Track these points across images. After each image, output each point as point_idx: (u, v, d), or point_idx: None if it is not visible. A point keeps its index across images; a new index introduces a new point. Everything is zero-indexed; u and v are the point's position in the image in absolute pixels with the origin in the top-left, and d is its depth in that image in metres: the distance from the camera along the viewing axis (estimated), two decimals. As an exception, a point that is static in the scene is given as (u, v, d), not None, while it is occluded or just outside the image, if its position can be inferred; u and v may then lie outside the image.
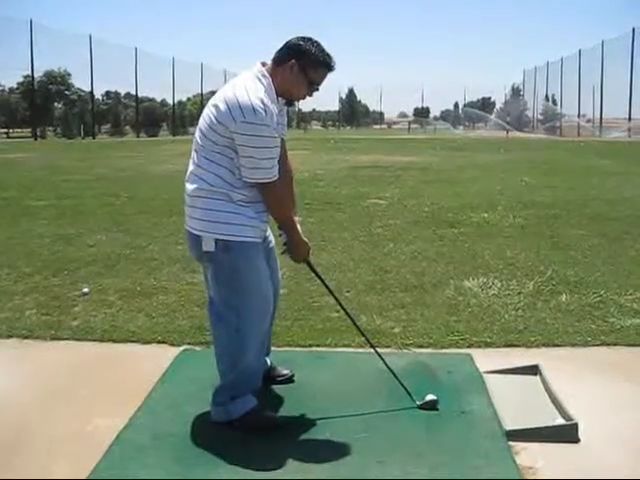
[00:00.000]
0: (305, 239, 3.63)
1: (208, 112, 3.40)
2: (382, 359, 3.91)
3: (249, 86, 3.31)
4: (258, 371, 3.71)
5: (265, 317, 3.59)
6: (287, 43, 3.45)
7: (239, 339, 3.48)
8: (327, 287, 3.95)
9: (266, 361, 3.98)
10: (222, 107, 3.29)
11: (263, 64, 3.47)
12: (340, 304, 4.04)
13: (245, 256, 3.43)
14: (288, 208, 3.56)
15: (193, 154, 3.49)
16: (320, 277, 3.87)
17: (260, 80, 3.37)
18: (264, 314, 3.57)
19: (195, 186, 3.43)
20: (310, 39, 3.45)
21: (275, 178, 3.38)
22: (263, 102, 3.26)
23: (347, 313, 4.06)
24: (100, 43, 57.24)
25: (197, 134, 3.47)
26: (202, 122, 3.43)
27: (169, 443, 3.40)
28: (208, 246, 3.39)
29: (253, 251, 3.47)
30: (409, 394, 3.75)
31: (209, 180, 3.38)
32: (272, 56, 3.47)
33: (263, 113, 3.23)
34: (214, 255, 3.41)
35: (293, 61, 3.38)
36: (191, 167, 3.49)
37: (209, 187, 3.38)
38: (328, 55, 3.44)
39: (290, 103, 3.58)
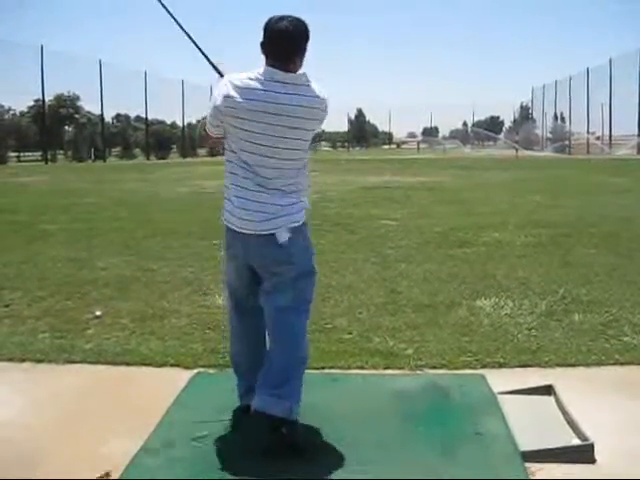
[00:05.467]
0: None
1: None
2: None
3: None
4: None
5: None
6: (306, 33, 3.48)
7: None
8: None
9: None
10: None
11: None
12: None
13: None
14: None
15: None
16: None
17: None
18: None
19: None
20: (298, 18, 3.47)
21: None
22: None
23: None
24: (110, 67, 57.79)
25: None
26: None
27: (183, 466, 3.39)
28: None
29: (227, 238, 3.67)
30: None
31: None
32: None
33: None
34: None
35: (306, 45, 3.51)
36: None
37: None
38: None
39: None
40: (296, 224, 3.50)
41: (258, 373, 3.60)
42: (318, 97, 3.47)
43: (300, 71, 3.46)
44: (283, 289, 3.57)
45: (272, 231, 3.47)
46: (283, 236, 3.45)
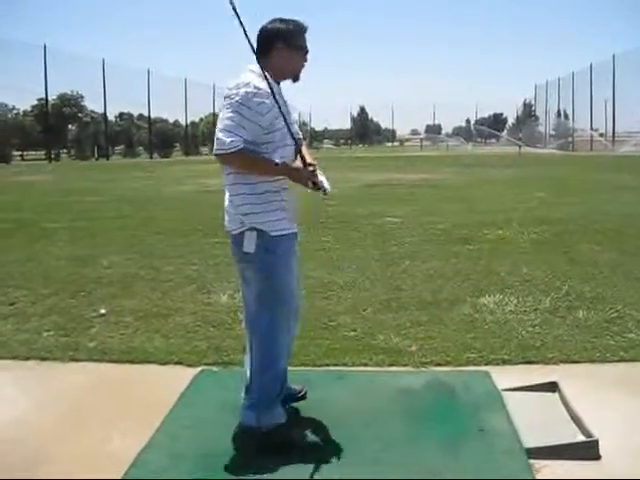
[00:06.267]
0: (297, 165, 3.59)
1: None
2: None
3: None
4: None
5: None
6: (263, 33, 3.56)
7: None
8: None
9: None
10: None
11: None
12: None
13: None
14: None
15: None
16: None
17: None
18: None
19: None
20: (274, 19, 3.58)
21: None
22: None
23: None
24: (113, 66, 57.93)
25: None
26: None
27: (187, 464, 3.40)
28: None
29: None
30: None
31: None
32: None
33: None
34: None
35: (279, 45, 3.52)
36: None
37: None
38: (296, 20, 3.59)
39: (296, 78, 3.66)
40: (255, 225, 3.51)
41: None
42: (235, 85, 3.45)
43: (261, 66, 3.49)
44: (249, 290, 3.67)
45: (229, 229, 3.63)
46: (248, 237, 3.50)
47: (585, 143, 66.33)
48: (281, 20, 3.57)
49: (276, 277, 3.57)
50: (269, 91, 3.38)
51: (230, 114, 3.37)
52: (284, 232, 3.56)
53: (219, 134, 3.36)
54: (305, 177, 3.52)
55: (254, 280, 3.60)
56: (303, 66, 3.66)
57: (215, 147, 3.37)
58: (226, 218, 3.66)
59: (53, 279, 7.51)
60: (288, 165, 3.50)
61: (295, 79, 3.66)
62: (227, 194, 3.63)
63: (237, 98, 3.37)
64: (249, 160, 3.44)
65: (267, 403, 3.58)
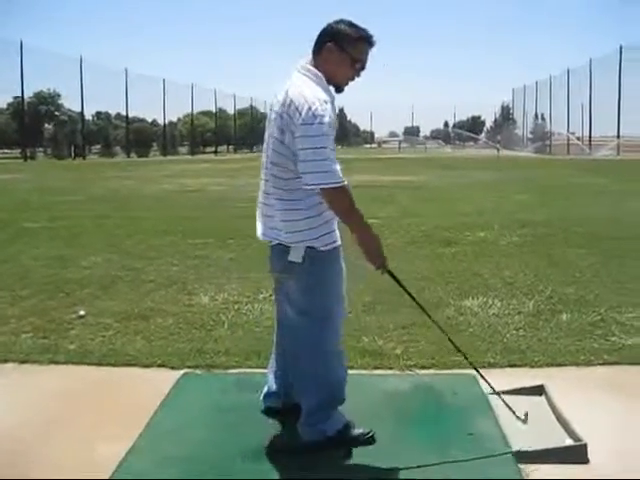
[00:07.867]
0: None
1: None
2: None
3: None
4: None
5: None
6: (322, 29, 3.39)
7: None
8: (414, 298, 3.99)
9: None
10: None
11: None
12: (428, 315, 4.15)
13: None
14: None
15: None
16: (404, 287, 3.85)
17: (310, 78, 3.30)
18: None
19: None
20: (342, 19, 3.39)
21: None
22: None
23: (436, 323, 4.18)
24: (90, 64, 57.47)
25: None
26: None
27: (171, 468, 3.35)
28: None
29: None
30: (512, 411, 3.78)
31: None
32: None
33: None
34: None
35: (329, 44, 3.32)
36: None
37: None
38: (363, 29, 3.37)
39: (339, 89, 3.44)
40: (306, 240, 3.34)
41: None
42: (290, 98, 3.21)
43: (313, 65, 3.36)
44: (291, 304, 3.54)
45: (271, 239, 3.45)
46: (296, 248, 3.35)
47: (562, 146, 66.87)
48: (349, 24, 3.35)
49: (323, 286, 3.42)
50: (330, 103, 3.23)
51: (321, 143, 3.14)
52: (335, 245, 3.45)
53: (326, 164, 3.15)
54: (382, 255, 3.61)
55: (298, 292, 3.42)
56: (351, 78, 3.42)
57: (327, 180, 3.16)
58: (264, 227, 3.47)
59: (31, 280, 7.40)
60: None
61: (338, 89, 3.43)
62: (276, 205, 3.36)
63: (317, 123, 3.12)
64: (350, 197, 3.29)
65: (328, 414, 3.53)
